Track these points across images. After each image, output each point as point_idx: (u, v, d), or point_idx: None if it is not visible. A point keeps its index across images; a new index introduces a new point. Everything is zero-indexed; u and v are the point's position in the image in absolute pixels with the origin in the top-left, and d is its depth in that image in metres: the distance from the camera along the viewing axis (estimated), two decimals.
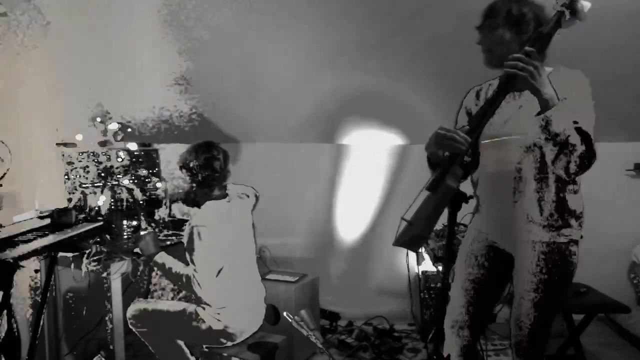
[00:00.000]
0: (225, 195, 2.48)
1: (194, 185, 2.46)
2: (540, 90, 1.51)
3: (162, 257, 2.41)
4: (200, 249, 2.30)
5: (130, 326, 2.46)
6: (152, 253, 2.42)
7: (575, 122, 1.54)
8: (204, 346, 2.48)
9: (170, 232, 3.00)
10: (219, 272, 2.37)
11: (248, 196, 2.57)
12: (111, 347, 2.50)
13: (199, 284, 2.31)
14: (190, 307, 2.41)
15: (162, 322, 2.42)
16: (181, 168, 2.46)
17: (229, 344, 2.41)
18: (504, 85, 1.60)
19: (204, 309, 2.38)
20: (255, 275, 2.59)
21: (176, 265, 2.38)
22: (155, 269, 2.49)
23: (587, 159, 1.56)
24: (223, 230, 2.37)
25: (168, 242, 2.79)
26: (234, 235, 2.45)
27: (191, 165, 2.41)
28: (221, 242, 2.36)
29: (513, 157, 1.75)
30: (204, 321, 2.36)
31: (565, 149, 1.54)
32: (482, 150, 1.85)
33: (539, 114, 1.55)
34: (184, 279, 2.34)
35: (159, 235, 2.82)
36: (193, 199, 2.82)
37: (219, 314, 2.36)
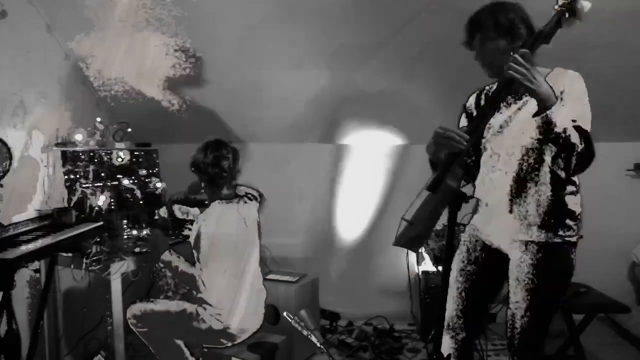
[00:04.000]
0: (234, 196, 2.48)
1: (203, 183, 2.47)
2: (536, 91, 1.52)
3: (169, 255, 2.41)
4: (207, 248, 2.32)
5: (131, 326, 2.46)
6: (160, 251, 2.43)
7: (574, 121, 1.55)
8: (204, 346, 2.48)
9: (171, 232, 3.00)
10: (224, 272, 2.38)
11: (254, 198, 2.58)
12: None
13: (203, 284, 2.32)
14: (191, 307, 2.41)
15: (162, 322, 2.42)
16: (191, 165, 2.47)
17: (229, 344, 2.41)
18: (503, 87, 1.60)
19: (204, 309, 2.38)
20: (257, 276, 2.59)
21: (182, 264, 2.39)
22: (160, 266, 2.50)
23: (587, 157, 1.56)
24: (229, 231, 2.38)
25: (170, 242, 2.79)
26: (239, 236, 2.45)
27: (200, 163, 2.42)
28: (227, 243, 2.36)
29: (511, 158, 1.75)
30: (204, 321, 2.36)
31: (566, 148, 1.54)
32: (482, 151, 1.85)
33: (537, 114, 1.56)
34: (189, 278, 2.35)
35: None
36: (194, 199, 2.83)
37: (219, 314, 2.37)
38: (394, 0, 2.81)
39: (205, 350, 2.48)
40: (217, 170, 2.41)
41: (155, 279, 3.26)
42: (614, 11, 2.63)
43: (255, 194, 2.61)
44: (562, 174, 1.67)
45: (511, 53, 1.54)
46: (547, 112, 1.52)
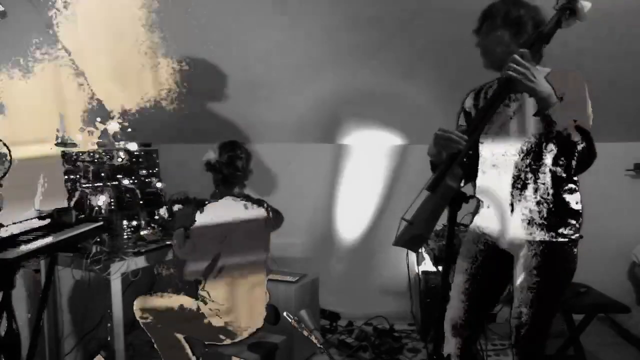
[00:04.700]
0: (244, 196, 2.54)
1: (217, 182, 2.54)
2: (536, 90, 1.52)
3: (177, 232, 2.52)
4: (200, 236, 2.39)
5: (137, 317, 2.50)
6: (181, 225, 2.53)
7: (575, 121, 1.55)
8: (205, 343, 2.49)
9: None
10: (221, 269, 2.41)
11: (269, 209, 2.63)
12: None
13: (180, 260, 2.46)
14: (192, 303, 2.44)
15: (164, 315, 2.45)
16: (205, 165, 2.54)
17: (228, 341, 2.42)
18: (503, 87, 1.61)
19: (205, 303, 2.40)
20: (261, 277, 2.60)
21: (179, 244, 2.47)
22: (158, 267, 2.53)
23: (588, 157, 1.56)
24: (230, 224, 2.41)
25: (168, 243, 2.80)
26: (240, 233, 2.47)
27: (215, 162, 2.49)
28: (223, 236, 2.40)
29: (512, 158, 1.75)
30: (204, 317, 2.39)
31: (567, 148, 1.54)
32: (481, 151, 1.86)
33: (537, 113, 1.56)
34: (176, 257, 2.51)
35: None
36: (194, 199, 2.86)
37: (218, 309, 2.38)
38: (394, 0, 2.81)
39: (207, 349, 2.49)
40: (231, 170, 2.49)
41: (157, 276, 3.27)
42: (614, 11, 2.63)
43: (272, 209, 2.67)
44: (563, 174, 1.67)
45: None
46: (548, 111, 1.52)
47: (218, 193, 2.55)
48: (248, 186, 2.63)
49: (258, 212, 2.56)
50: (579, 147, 1.53)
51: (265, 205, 2.62)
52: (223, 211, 2.44)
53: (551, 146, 1.59)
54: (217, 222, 2.41)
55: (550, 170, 1.68)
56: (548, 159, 1.67)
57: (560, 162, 1.60)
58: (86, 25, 3.02)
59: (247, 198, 2.56)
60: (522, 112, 1.74)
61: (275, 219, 2.68)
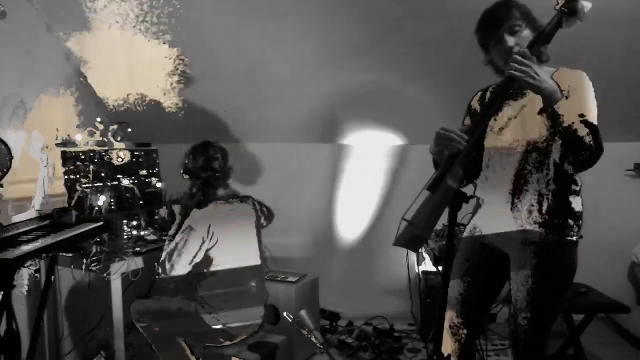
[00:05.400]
0: (231, 196, 2.52)
1: (196, 187, 2.49)
2: (540, 87, 1.52)
3: (176, 208, 2.60)
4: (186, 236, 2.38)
5: (134, 321, 2.49)
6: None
7: (581, 116, 1.55)
8: (205, 345, 2.48)
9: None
10: (214, 271, 2.41)
11: (257, 204, 2.62)
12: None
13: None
14: (189, 305, 2.43)
15: (162, 319, 2.44)
16: (183, 172, 2.51)
17: (228, 342, 2.42)
18: (504, 86, 1.60)
19: (202, 307, 2.39)
20: (257, 277, 2.59)
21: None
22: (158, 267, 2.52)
23: (595, 152, 1.55)
24: (218, 227, 2.40)
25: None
26: (230, 235, 2.46)
27: (191, 168, 2.44)
28: (218, 242, 2.39)
29: (514, 157, 1.75)
30: (202, 319, 2.37)
31: (573, 143, 1.54)
32: (485, 148, 1.85)
33: (542, 110, 1.56)
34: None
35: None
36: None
37: (216, 312, 2.38)
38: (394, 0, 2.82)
39: (206, 350, 2.48)
40: (209, 173, 2.45)
41: (155, 276, 3.26)
42: (614, 11, 2.63)
43: (262, 205, 2.65)
44: (570, 171, 1.66)
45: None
46: (554, 107, 1.52)
47: (203, 199, 2.49)
48: (244, 184, 2.62)
49: (246, 211, 2.53)
50: (586, 141, 1.53)
51: (252, 201, 2.59)
52: (210, 218, 2.39)
53: (557, 143, 1.59)
54: (207, 230, 2.38)
55: (553, 169, 1.68)
56: (552, 157, 1.66)
57: (566, 160, 1.60)
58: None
59: (234, 197, 2.53)
60: (526, 110, 1.73)
61: (266, 214, 2.66)
